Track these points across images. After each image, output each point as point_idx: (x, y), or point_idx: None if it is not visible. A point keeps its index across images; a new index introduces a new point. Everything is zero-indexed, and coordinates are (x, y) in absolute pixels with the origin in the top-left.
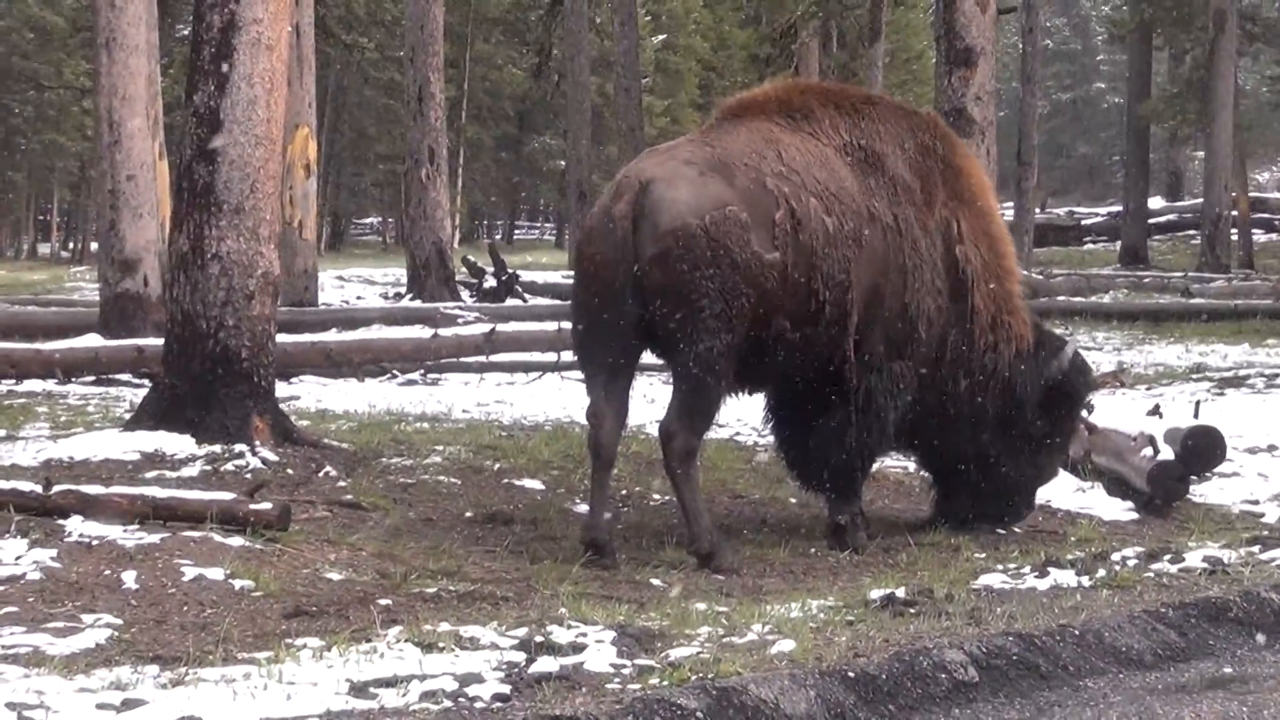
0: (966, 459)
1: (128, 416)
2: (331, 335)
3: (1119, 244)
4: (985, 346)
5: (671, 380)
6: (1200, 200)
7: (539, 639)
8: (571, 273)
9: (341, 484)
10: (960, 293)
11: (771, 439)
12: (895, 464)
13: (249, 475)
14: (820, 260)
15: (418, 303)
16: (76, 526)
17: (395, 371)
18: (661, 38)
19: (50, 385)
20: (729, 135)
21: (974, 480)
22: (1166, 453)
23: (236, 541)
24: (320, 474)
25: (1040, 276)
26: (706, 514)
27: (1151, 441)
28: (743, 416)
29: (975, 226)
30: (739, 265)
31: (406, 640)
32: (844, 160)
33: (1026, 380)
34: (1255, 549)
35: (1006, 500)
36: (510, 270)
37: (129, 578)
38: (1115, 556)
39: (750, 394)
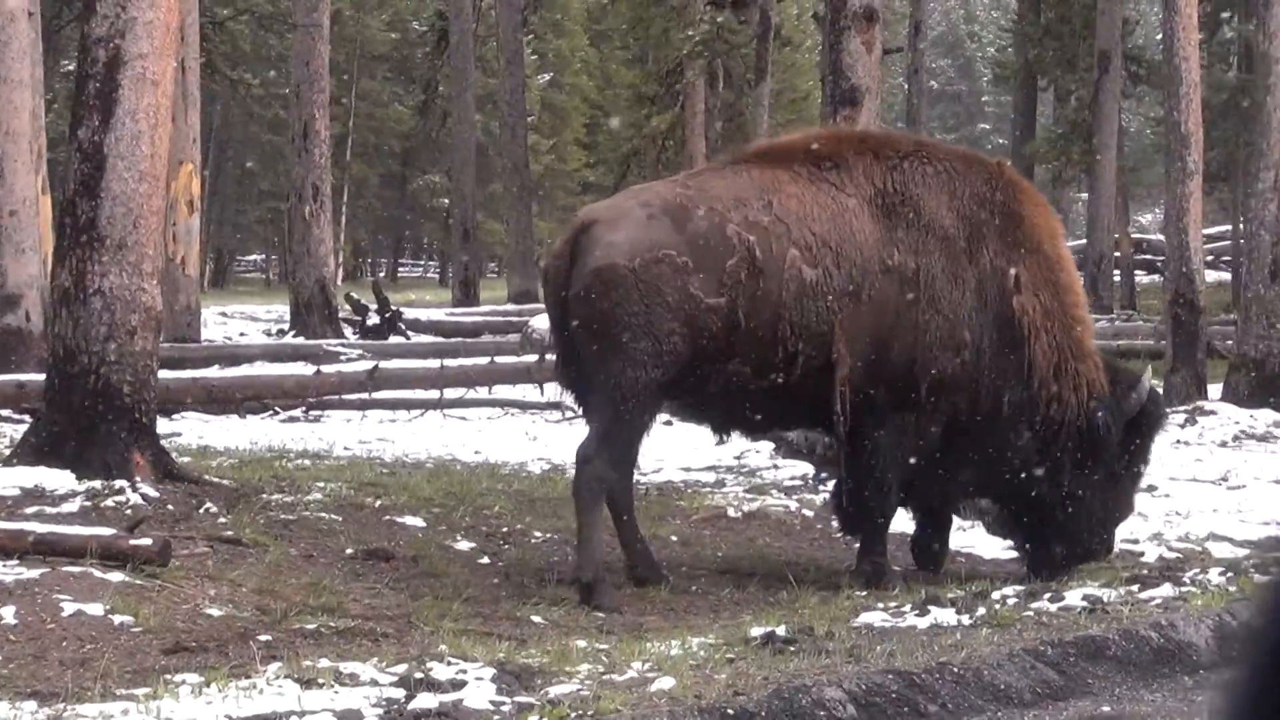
0: (1048, 507)
1: (8, 452)
2: (214, 372)
3: None
4: (1048, 398)
5: (592, 411)
6: (1084, 241)
7: (419, 675)
8: (455, 310)
9: (222, 520)
10: (1016, 344)
11: None
12: (776, 502)
13: (129, 511)
14: (789, 310)
15: (301, 340)
16: None
17: (278, 408)
18: (548, 76)
19: None
20: (719, 179)
21: (1061, 526)
22: None
23: (116, 577)
24: (201, 510)
25: None
26: (598, 547)
27: None
28: None
29: (1038, 275)
30: (672, 307)
31: (286, 676)
32: (868, 211)
33: (1107, 422)
34: (1134, 588)
35: (1093, 537)
36: (394, 308)
37: (7, 613)
38: (995, 595)
39: (741, 435)
